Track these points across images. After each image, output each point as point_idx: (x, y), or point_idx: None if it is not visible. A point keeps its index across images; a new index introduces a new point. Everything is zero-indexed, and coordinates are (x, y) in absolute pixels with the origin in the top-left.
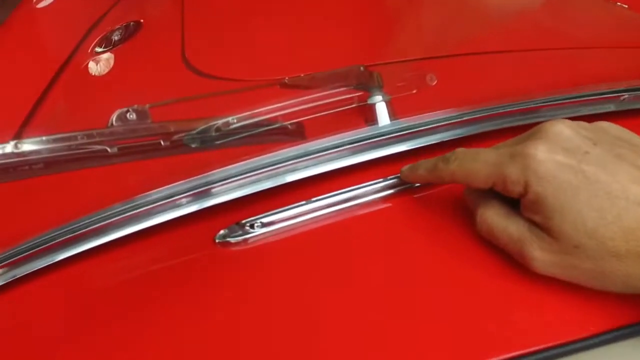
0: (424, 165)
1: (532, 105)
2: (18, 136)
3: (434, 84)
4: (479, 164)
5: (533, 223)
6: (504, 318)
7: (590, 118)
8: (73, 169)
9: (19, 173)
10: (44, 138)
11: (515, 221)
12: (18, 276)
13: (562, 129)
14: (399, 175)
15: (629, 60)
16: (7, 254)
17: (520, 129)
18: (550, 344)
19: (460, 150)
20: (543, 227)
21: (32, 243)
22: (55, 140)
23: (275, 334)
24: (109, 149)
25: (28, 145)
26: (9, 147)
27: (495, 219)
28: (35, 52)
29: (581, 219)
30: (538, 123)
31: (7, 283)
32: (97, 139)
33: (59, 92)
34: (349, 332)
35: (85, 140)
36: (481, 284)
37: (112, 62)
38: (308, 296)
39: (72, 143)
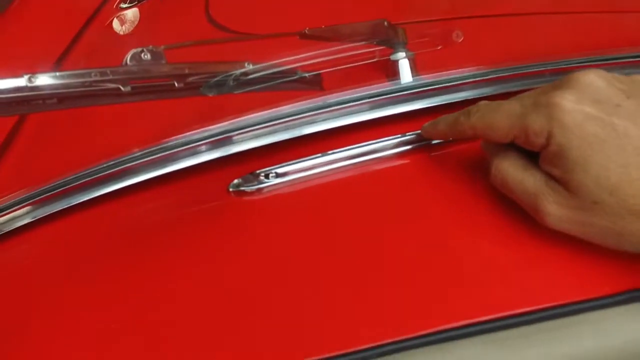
0: (445, 120)
1: (563, 66)
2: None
3: (460, 40)
4: (501, 115)
5: (551, 177)
6: (512, 275)
7: None
8: (86, 106)
9: (32, 106)
10: (57, 73)
11: (532, 174)
12: (39, 217)
13: (594, 79)
14: (417, 131)
15: None
16: (30, 194)
17: None
18: (556, 303)
19: (482, 102)
20: (562, 181)
21: (52, 185)
22: (69, 76)
23: (284, 281)
24: (122, 87)
25: (42, 80)
26: (22, 81)
27: (511, 170)
28: (61, 8)
29: (604, 173)
30: None
31: (28, 223)
32: (111, 77)
33: (83, 47)
34: (358, 282)
35: (98, 78)
36: (492, 241)
37: (136, 18)
38: (319, 246)
39: (85, 80)
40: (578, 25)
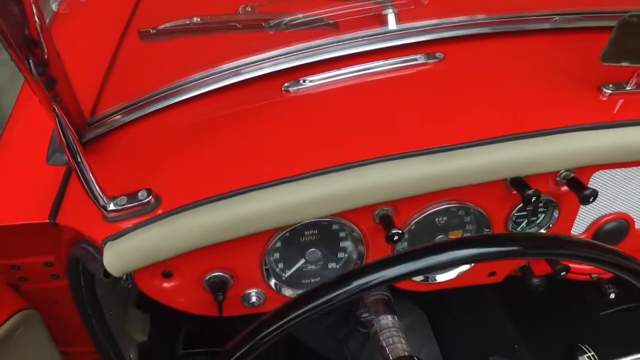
0: None
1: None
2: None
3: (426, 3)
4: None
5: None
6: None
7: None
8: (219, 33)
9: (199, 31)
10: (209, 17)
11: None
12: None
13: None
14: (399, 57)
15: None
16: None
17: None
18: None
19: None
20: None
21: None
22: (215, 18)
23: (321, 143)
24: (237, 25)
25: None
26: (195, 19)
27: None
28: None
29: None
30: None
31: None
32: (234, 19)
33: None
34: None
35: (226, 19)
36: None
37: None
38: (337, 119)
39: (221, 20)
40: None
